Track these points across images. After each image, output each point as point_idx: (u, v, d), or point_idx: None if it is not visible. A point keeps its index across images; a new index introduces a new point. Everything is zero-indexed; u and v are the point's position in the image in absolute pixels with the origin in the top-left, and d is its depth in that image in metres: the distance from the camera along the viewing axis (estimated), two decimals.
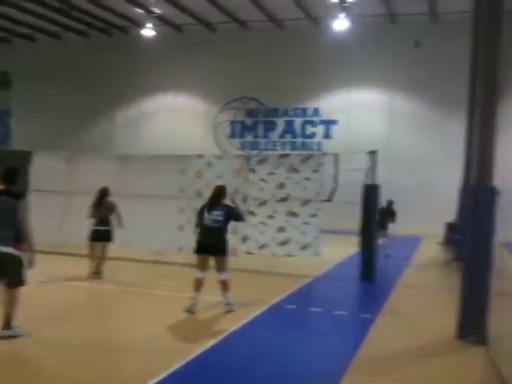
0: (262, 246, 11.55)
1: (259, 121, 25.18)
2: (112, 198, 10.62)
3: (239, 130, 25.52)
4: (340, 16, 21.53)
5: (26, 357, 5.94)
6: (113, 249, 10.75)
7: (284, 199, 11.42)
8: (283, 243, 11.40)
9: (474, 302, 6.70)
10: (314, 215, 11.27)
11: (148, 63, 25.70)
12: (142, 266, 12.12)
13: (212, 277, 7.99)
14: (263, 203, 11.56)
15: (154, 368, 5.38)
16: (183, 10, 22.70)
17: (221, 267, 7.92)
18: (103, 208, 10.34)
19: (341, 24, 21.92)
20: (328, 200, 11.27)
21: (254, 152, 23.26)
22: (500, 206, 6.78)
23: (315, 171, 11.31)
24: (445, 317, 7.39)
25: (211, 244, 7.86)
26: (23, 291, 6.33)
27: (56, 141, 24.77)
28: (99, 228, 10.28)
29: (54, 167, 13.25)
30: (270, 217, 11.50)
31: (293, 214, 11.35)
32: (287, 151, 22.99)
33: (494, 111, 7.01)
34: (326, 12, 22.03)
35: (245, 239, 11.41)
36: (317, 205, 11.27)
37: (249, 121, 25.33)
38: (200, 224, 8.01)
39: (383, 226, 14.13)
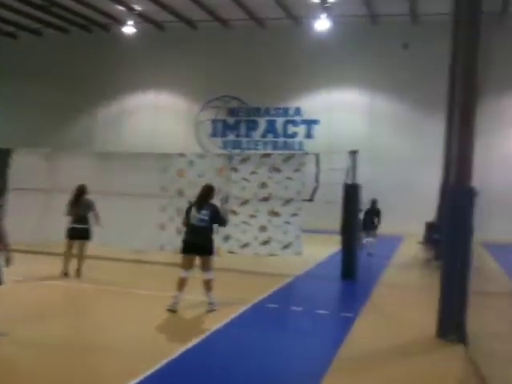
0: (244, 246, 11.56)
1: (241, 120, 25.16)
2: (92, 196, 10.53)
3: (221, 128, 25.48)
4: (321, 16, 21.64)
5: (2, 356, 5.84)
6: (92, 247, 10.66)
7: (266, 198, 11.44)
8: (265, 242, 11.43)
9: (453, 301, 6.79)
10: (295, 214, 11.32)
11: (129, 60, 25.51)
12: (122, 265, 12.04)
13: (196, 276, 7.97)
14: (245, 202, 11.56)
15: (133, 368, 5.35)
16: (164, 7, 22.57)
17: (206, 267, 7.91)
18: (80, 206, 10.26)
19: (322, 24, 22.05)
20: (309, 199, 11.33)
21: (236, 151, 23.25)
22: (478, 207, 6.88)
23: (297, 171, 11.36)
24: (425, 315, 7.47)
25: (197, 244, 7.86)
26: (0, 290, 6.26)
27: (37, 138, 24.49)
28: (76, 226, 10.20)
29: (33, 165, 13.09)
30: (252, 216, 11.52)
31: (274, 214, 11.38)
32: (269, 151, 23.02)
33: (472, 112, 7.10)
34: (307, 12, 22.09)
35: (227, 238, 11.40)
36: (298, 204, 11.33)
37: (231, 120, 25.29)
38: (187, 223, 8.01)
39: (371, 226, 14.48)
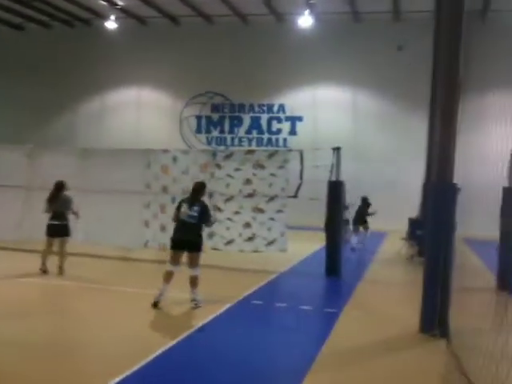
0: (229, 242, 11.56)
1: (225, 116, 25.10)
2: (75, 193, 10.44)
3: (205, 125, 25.40)
4: (305, 13, 21.66)
5: None
6: (75, 245, 10.57)
7: (250, 195, 11.45)
8: (249, 239, 11.44)
9: (436, 297, 6.87)
10: (279, 211, 11.35)
11: (112, 56, 25.28)
12: (105, 262, 11.95)
13: (181, 272, 7.94)
14: (230, 199, 11.56)
15: (117, 366, 5.32)
16: (147, 2, 22.37)
17: (194, 263, 7.92)
18: (58, 202, 10.16)
19: (305, 21, 22.11)
20: (294, 196, 11.36)
21: (221, 147, 23.23)
22: (460, 203, 6.96)
23: (281, 167, 11.37)
24: (408, 311, 7.55)
25: (188, 240, 7.88)
26: None
27: (20, 134, 24.15)
28: (54, 223, 10.13)
29: (15, 161, 12.93)
30: (237, 213, 11.52)
31: (259, 210, 11.39)
32: (253, 147, 23.03)
33: (454, 110, 7.17)
34: (290, 8, 22.10)
35: (211, 235, 11.37)
36: (283, 201, 11.36)
37: (215, 116, 25.23)
38: (176, 219, 8.01)
39: (361, 222, 15.35)
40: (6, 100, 26.44)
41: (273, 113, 24.49)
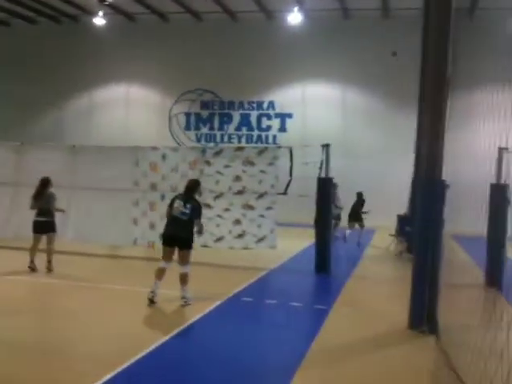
0: (218, 239, 11.54)
1: (215, 113, 25.04)
2: (63, 190, 10.38)
3: (195, 122, 25.32)
4: (294, 10, 21.65)
5: None
6: (64, 243, 10.50)
7: (240, 192, 11.43)
8: (239, 236, 11.44)
9: (425, 293, 6.90)
10: (269, 208, 11.36)
11: (100, 52, 25.08)
12: (93, 260, 11.88)
13: (172, 269, 7.92)
14: (219, 196, 11.54)
15: (106, 364, 5.29)
16: None
17: (184, 260, 7.91)
18: (43, 199, 10.11)
19: (295, 18, 22.10)
20: (283, 193, 11.36)
21: (210, 144, 23.17)
22: (448, 199, 7.00)
23: (270, 164, 11.38)
24: (397, 307, 7.58)
25: (179, 236, 7.88)
26: None
27: (7, 131, 23.91)
28: (40, 219, 10.08)
29: (2, 158, 12.85)
30: (226, 210, 11.51)
31: (249, 207, 11.39)
32: (243, 144, 22.99)
33: (442, 107, 7.20)
34: (280, 5, 22.08)
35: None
36: (272, 198, 11.37)
37: (205, 113, 25.15)
38: (169, 215, 8.02)
39: (357, 217, 15.66)
40: None
41: (262, 110, 24.47)
